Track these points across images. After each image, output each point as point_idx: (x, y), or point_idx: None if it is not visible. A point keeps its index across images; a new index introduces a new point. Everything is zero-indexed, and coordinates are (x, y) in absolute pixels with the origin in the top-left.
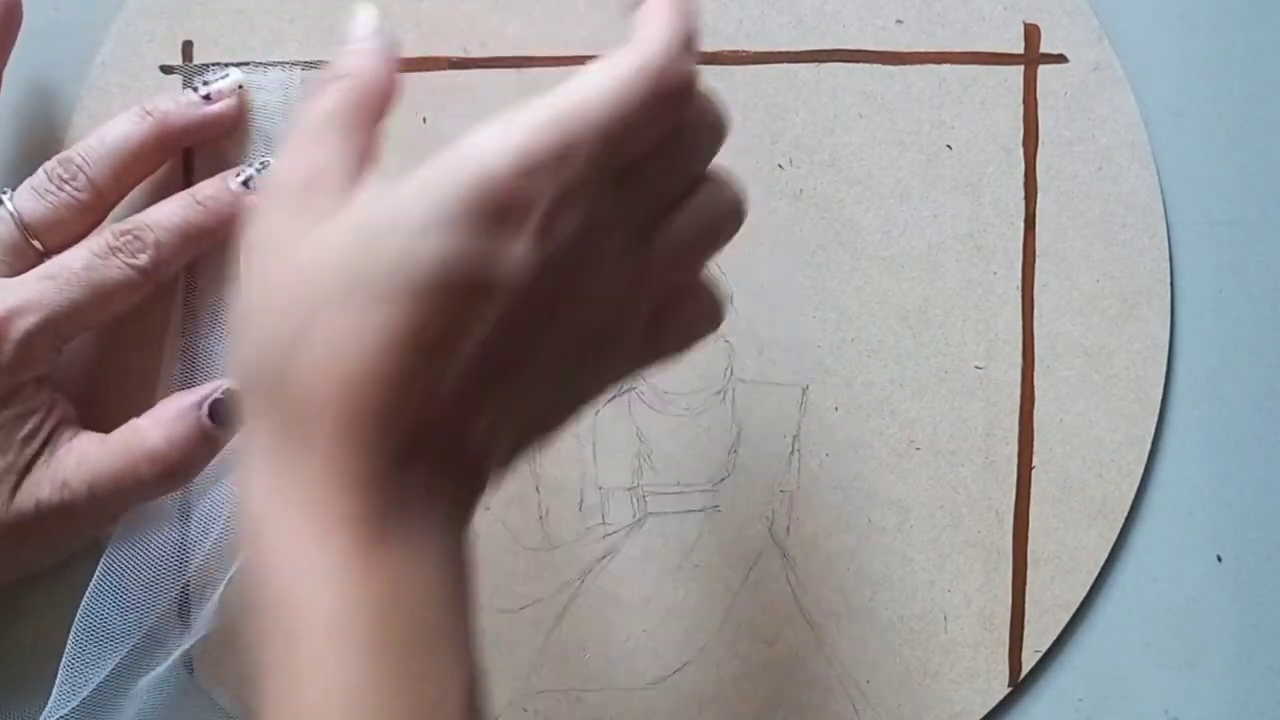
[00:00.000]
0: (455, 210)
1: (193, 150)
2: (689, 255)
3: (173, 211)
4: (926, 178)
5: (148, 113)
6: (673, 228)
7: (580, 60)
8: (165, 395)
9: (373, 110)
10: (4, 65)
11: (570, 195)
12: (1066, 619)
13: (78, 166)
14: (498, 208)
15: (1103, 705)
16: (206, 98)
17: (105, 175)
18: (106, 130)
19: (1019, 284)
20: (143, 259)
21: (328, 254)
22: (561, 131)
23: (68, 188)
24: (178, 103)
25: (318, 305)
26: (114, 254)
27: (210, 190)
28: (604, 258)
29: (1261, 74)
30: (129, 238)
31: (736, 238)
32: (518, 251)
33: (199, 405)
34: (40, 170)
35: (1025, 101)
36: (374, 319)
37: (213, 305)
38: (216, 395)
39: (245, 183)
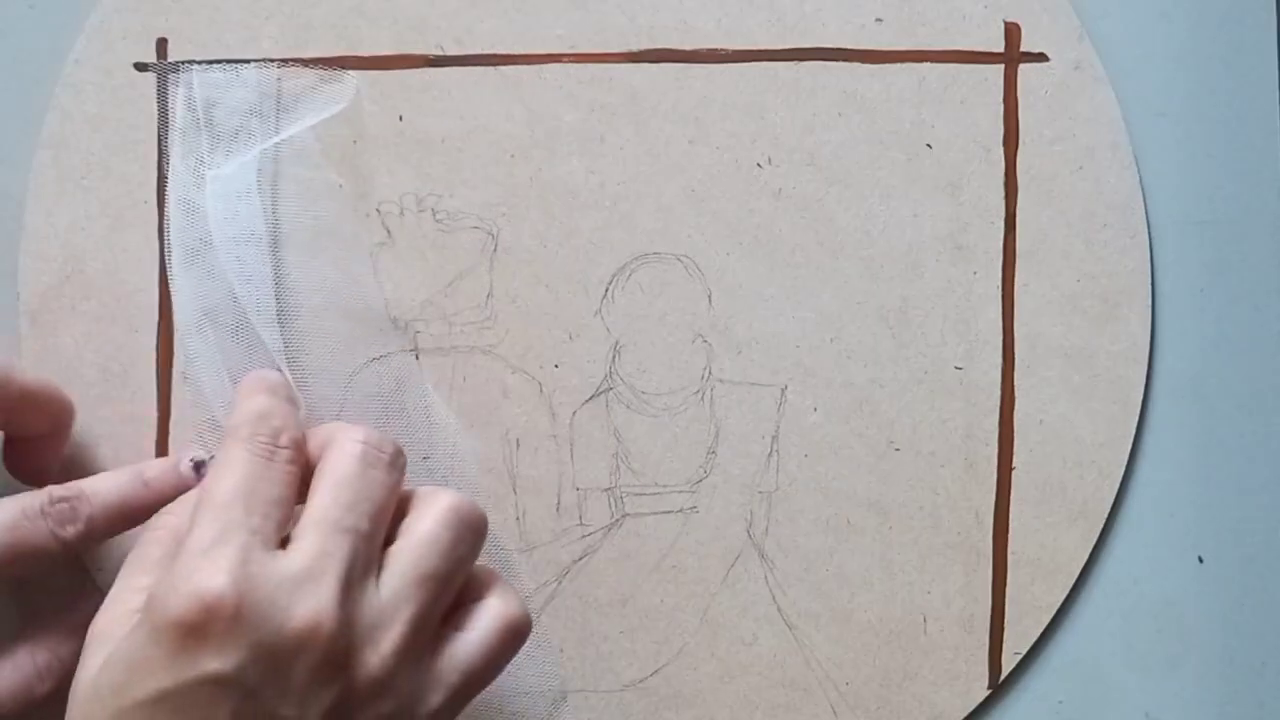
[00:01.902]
0: (150, 658)
1: (164, 156)
2: (428, 580)
3: (116, 488)
4: (906, 177)
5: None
6: (395, 559)
7: (557, 58)
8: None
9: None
10: None
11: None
12: (1047, 620)
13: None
14: (180, 638)
15: (1083, 707)
16: (198, 468)
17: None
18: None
19: (999, 284)
20: (70, 530)
21: (76, 704)
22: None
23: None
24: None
25: None
26: (44, 517)
27: (157, 471)
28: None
29: (1243, 73)
30: (64, 506)
31: (716, 237)
32: (210, 666)
33: (83, 624)
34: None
35: (1006, 100)
36: None
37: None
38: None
39: (196, 468)
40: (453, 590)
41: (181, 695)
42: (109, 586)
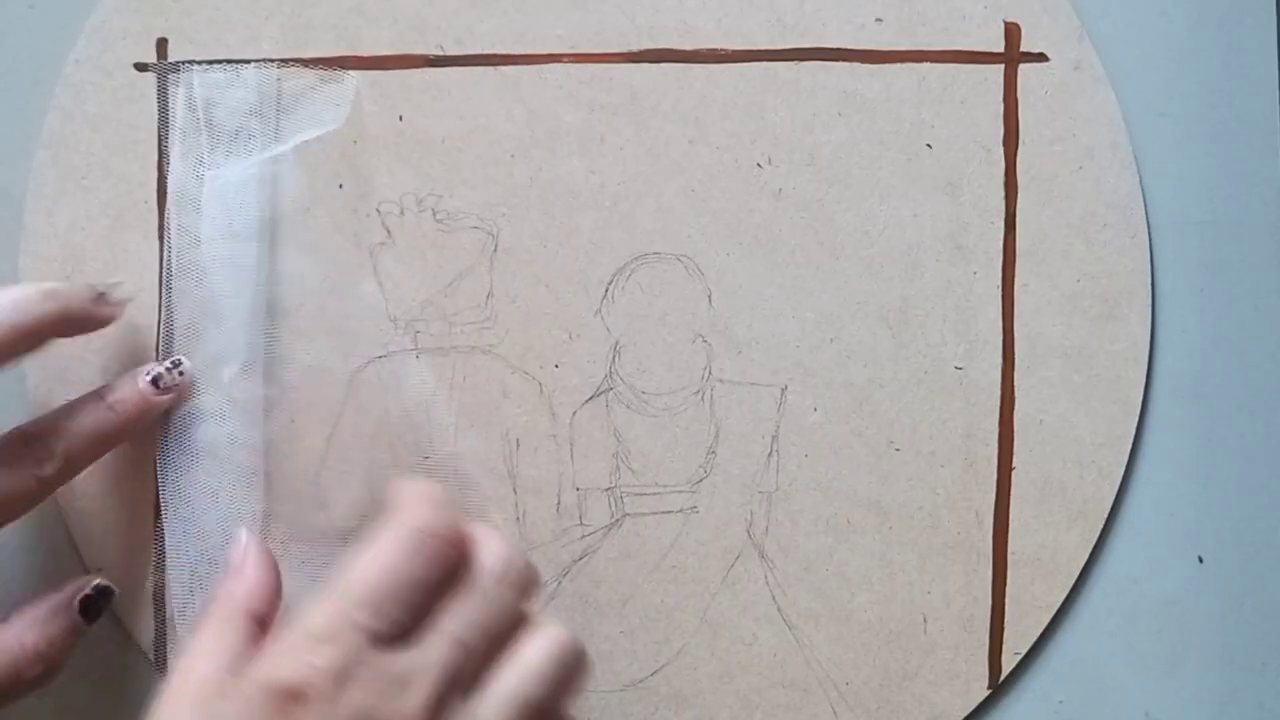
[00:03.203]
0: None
1: (164, 156)
2: (525, 708)
3: (83, 419)
4: (906, 177)
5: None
6: (499, 681)
7: (557, 58)
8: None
9: (243, 623)
10: None
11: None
12: (1047, 620)
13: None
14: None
15: (1083, 707)
16: (155, 383)
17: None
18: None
19: (999, 284)
20: (48, 469)
21: None
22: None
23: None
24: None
25: None
26: (19, 462)
27: (121, 393)
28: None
29: (1243, 73)
30: (37, 446)
31: (716, 237)
32: None
33: (69, 603)
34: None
35: (1006, 100)
36: None
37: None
38: (86, 591)
39: (154, 381)
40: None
41: None
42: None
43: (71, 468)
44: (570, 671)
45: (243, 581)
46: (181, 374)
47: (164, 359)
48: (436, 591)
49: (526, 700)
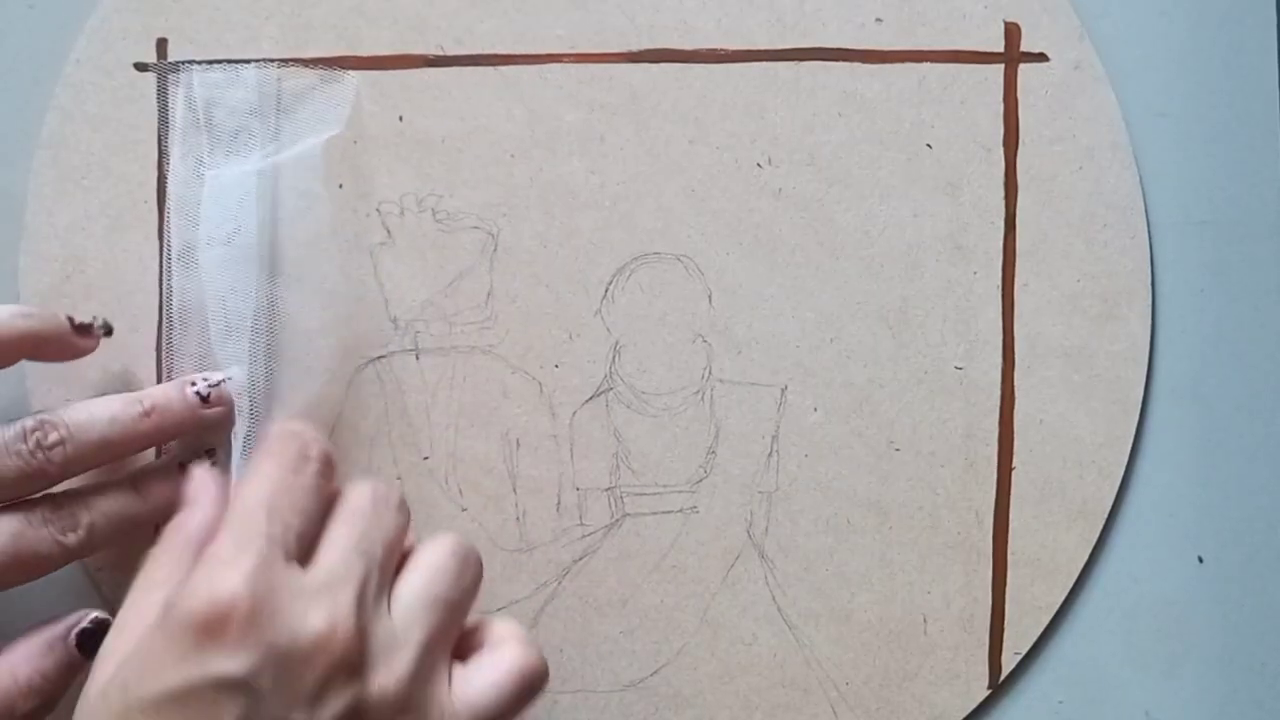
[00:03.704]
0: (165, 655)
1: (164, 156)
2: (436, 603)
3: (115, 499)
4: (906, 177)
5: (146, 412)
6: (405, 583)
7: (557, 58)
8: None
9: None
10: None
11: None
12: (1047, 620)
13: (61, 438)
14: (196, 637)
15: (1083, 707)
16: (205, 399)
17: (84, 456)
18: (97, 410)
19: (999, 284)
20: (72, 539)
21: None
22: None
23: (41, 454)
24: (178, 401)
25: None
26: (47, 525)
27: (153, 480)
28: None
29: (1243, 73)
30: (66, 514)
31: (716, 237)
32: (222, 667)
33: (65, 636)
34: (16, 425)
35: (1006, 100)
36: None
37: None
38: (83, 624)
39: (211, 458)
40: (461, 619)
41: (190, 695)
42: (106, 586)
43: (94, 541)
44: (470, 566)
45: (195, 513)
46: (214, 464)
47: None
48: (325, 511)
49: (436, 597)
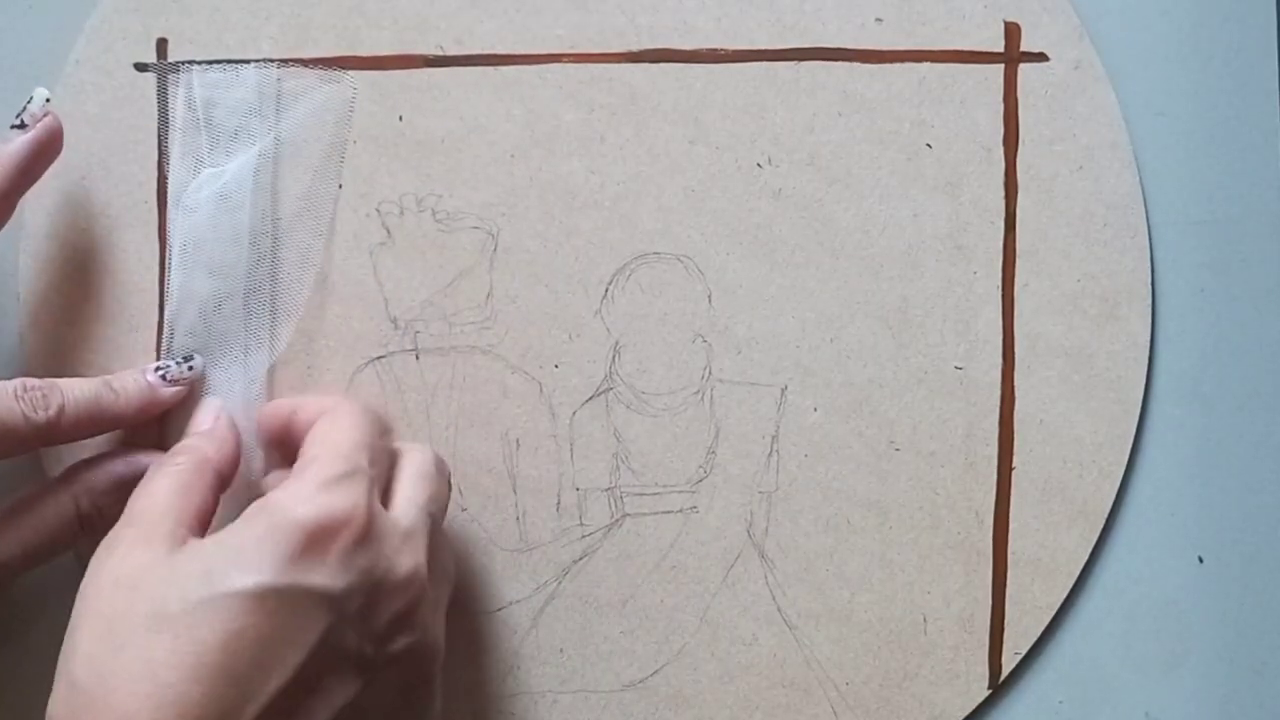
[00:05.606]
0: (263, 553)
1: (164, 156)
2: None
3: (85, 386)
4: (906, 177)
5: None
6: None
7: (557, 58)
8: None
9: (212, 479)
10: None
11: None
12: (1047, 620)
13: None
14: (302, 544)
15: (1083, 707)
16: (164, 377)
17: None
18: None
19: (999, 284)
20: (41, 416)
21: (149, 587)
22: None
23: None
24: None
25: (135, 628)
26: (17, 401)
27: (124, 380)
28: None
29: (1242, 73)
30: (37, 393)
31: (716, 237)
32: (319, 580)
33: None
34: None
35: (1005, 100)
36: (183, 645)
37: None
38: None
39: (162, 376)
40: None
41: (282, 597)
42: None
43: (63, 426)
44: (444, 475)
45: (214, 440)
46: (191, 369)
47: (167, 358)
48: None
49: (444, 566)
